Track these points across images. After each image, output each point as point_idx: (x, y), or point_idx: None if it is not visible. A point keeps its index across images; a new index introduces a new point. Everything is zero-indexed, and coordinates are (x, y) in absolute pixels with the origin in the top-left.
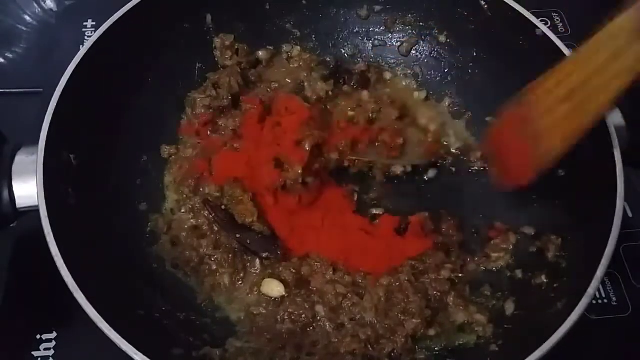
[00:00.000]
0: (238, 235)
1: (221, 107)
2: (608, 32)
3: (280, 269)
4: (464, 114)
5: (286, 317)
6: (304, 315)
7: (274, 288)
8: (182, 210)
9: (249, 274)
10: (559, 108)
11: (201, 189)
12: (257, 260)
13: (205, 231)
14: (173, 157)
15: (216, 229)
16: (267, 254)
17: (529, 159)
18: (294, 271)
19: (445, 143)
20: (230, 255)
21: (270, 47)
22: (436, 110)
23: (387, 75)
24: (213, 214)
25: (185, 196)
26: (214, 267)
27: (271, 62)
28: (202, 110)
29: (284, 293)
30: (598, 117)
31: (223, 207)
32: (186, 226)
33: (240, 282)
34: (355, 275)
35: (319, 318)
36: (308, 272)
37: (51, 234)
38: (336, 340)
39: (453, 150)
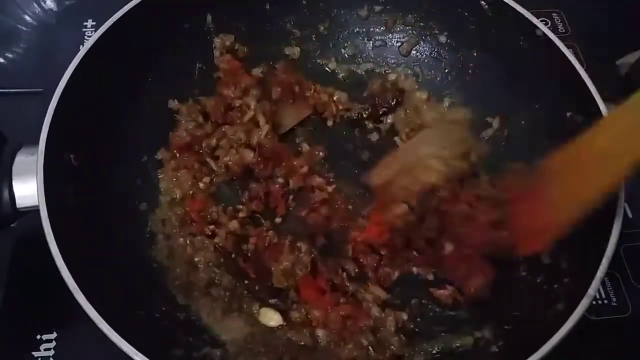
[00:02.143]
0: (247, 282)
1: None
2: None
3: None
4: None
5: (284, 342)
6: (302, 342)
7: (272, 317)
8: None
9: (244, 310)
10: (576, 177)
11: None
12: (257, 304)
13: (201, 268)
14: (166, 163)
15: (217, 271)
16: (276, 300)
17: (544, 225)
18: (305, 314)
19: None
20: (228, 293)
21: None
22: (436, 110)
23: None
24: (223, 259)
25: (176, 230)
26: (206, 296)
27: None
28: (184, 134)
29: (282, 322)
30: (612, 187)
31: (233, 255)
32: (180, 240)
33: (234, 314)
34: None
35: (320, 342)
36: (321, 317)
37: (51, 234)
38: (337, 349)
39: None
